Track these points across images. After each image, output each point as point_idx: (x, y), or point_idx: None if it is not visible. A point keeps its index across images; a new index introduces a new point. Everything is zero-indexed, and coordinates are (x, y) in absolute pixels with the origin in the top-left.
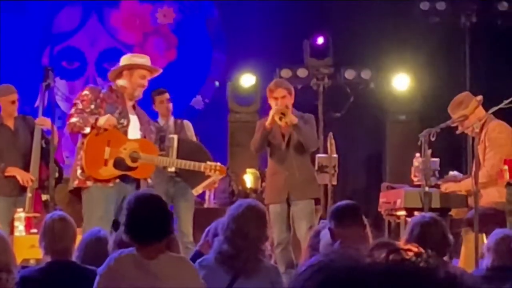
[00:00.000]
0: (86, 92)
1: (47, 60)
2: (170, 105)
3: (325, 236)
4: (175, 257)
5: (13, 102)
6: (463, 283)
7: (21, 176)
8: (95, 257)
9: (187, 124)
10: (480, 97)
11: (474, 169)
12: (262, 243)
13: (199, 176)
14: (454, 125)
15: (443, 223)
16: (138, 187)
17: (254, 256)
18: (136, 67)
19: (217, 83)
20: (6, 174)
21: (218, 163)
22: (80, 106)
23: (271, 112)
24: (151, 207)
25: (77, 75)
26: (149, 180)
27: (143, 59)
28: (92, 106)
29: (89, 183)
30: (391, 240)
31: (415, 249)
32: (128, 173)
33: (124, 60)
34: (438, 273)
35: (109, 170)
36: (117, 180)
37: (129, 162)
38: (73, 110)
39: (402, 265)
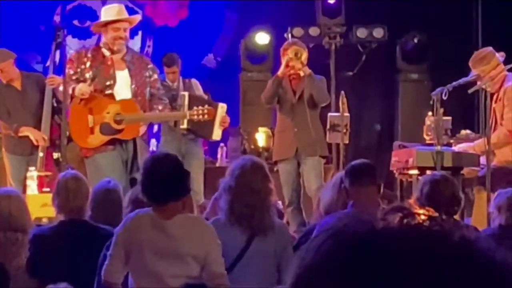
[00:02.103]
0: (71, 58)
1: (58, 18)
2: (177, 75)
3: (325, 196)
4: (192, 217)
5: (1, 71)
6: (478, 246)
7: (34, 135)
8: (106, 208)
9: (195, 82)
10: (502, 53)
11: (487, 127)
12: (268, 196)
13: (208, 124)
14: (473, 80)
15: (454, 181)
16: (135, 145)
17: (267, 213)
18: (104, 23)
19: None
20: (20, 134)
21: (206, 106)
22: (67, 74)
23: (284, 62)
24: (167, 167)
25: (89, 33)
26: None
27: (113, 10)
28: (78, 75)
29: (91, 151)
30: (405, 204)
31: (429, 213)
32: (117, 136)
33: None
34: (452, 237)
35: (97, 138)
36: (115, 144)
37: (114, 126)
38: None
39: (416, 229)
